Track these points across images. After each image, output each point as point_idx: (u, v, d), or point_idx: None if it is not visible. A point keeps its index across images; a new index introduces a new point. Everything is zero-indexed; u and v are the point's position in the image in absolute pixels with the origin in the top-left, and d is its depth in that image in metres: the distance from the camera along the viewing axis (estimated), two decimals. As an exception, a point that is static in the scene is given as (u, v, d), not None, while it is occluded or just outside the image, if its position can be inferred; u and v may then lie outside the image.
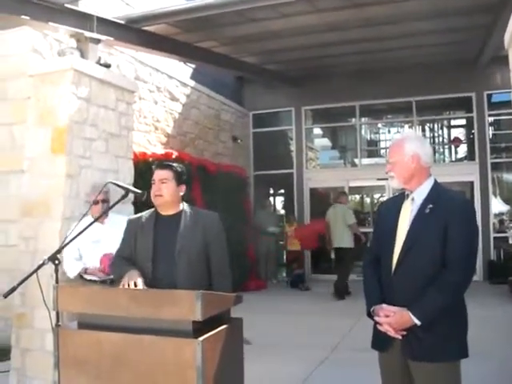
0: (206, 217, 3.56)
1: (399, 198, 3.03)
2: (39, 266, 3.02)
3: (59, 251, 3.01)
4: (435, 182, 2.94)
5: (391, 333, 2.76)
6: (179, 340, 2.59)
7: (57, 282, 3.03)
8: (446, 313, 2.71)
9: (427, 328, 2.70)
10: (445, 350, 2.72)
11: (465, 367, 2.83)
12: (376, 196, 18.64)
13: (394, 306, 2.78)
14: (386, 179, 3.02)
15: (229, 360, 2.84)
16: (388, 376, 2.96)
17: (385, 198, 15.08)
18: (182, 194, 3.50)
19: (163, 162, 3.58)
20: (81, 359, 2.78)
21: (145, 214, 3.56)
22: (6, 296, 2.87)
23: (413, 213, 2.87)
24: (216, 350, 2.70)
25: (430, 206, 2.81)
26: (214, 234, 3.49)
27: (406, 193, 2.96)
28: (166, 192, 3.40)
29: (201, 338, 2.55)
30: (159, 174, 3.44)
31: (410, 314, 2.70)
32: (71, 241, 3.11)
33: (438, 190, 2.91)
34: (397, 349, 2.82)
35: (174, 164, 3.53)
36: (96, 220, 3.56)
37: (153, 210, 3.53)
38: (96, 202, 4.87)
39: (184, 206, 3.52)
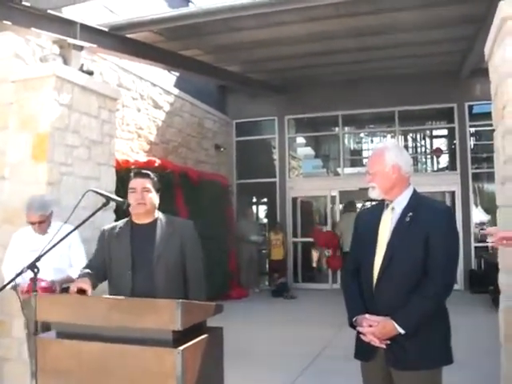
0: (182, 225, 3.59)
1: (378, 207, 3.03)
2: (17, 274, 2.99)
3: (38, 259, 2.97)
4: (414, 190, 2.95)
5: (375, 342, 2.76)
6: (159, 349, 2.58)
7: (35, 290, 2.99)
8: (429, 320, 2.72)
9: (411, 336, 2.71)
10: (428, 358, 2.73)
11: (445, 375, 2.84)
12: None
13: (377, 315, 2.78)
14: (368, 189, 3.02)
15: (209, 369, 2.82)
16: (371, 385, 2.96)
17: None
18: (158, 201, 3.52)
19: (142, 171, 3.56)
20: (60, 369, 2.75)
21: (119, 223, 3.57)
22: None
23: (393, 222, 2.87)
24: (196, 360, 2.69)
25: (410, 214, 2.82)
26: (190, 243, 3.51)
27: (386, 202, 2.96)
28: (149, 200, 3.42)
29: (181, 348, 2.53)
30: (141, 183, 3.43)
31: (394, 323, 2.70)
32: (50, 250, 3.07)
33: (417, 198, 2.92)
34: (380, 358, 2.82)
35: (151, 173, 3.55)
36: (79, 226, 3.50)
37: (127, 219, 3.54)
38: (32, 223, 4.69)
39: (159, 214, 3.53)
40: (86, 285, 3.10)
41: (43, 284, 4.23)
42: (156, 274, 3.32)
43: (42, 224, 4.67)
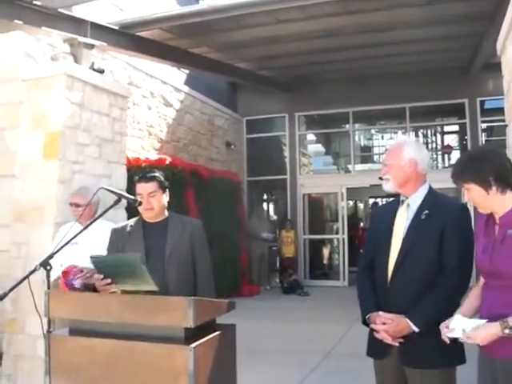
0: (191, 224, 3.61)
1: (394, 203, 3.02)
2: (31, 272, 2.99)
3: (51, 257, 2.98)
4: (430, 187, 2.93)
5: (388, 340, 2.74)
6: (171, 346, 2.58)
7: (48, 287, 3.00)
8: (443, 318, 2.69)
9: (425, 334, 2.69)
10: (442, 357, 2.70)
11: (460, 373, 2.82)
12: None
13: (390, 313, 2.76)
14: (380, 185, 3.01)
15: (221, 367, 2.82)
16: (383, 383, 2.94)
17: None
18: (167, 200, 3.53)
19: (146, 174, 3.52)
20: (72, 366, 2.76)
21: (130, 222, 3.58)
22: (-2, 301, 2.84)
23: (408, 219, 2.86)
24: (208, 357, 2.69)
25: (426, 211, 2.81)
26: (199, 240, 3.54)
27: (401, 198, 2.95)
28: (157, 205, 3.43)
29: (193, 345, 2.53)
30: (146, 188, 3.42)
31: (408, 321, 2.69)
32: (63, 247, 3.08)
33: (433, 195, 2.90)
34: (393, 356, 2.80)
35: (156, 174, 3.53)
36: (91, 223, 3.49)
37: (137, 218, 3.55)
38: (70, 204, 4.84)
39: (168, 212, 3.55)
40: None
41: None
42: (168, 271, 3.34)
43: (78, 208, 4.73)
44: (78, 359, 2.75)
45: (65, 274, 4.41)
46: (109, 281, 3.04)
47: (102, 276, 3.04)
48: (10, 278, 5.41)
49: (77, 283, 4.36)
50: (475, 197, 2.49)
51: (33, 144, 5.89)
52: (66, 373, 2.77)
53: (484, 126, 13.01)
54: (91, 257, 3.00)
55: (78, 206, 4.76)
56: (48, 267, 2.96)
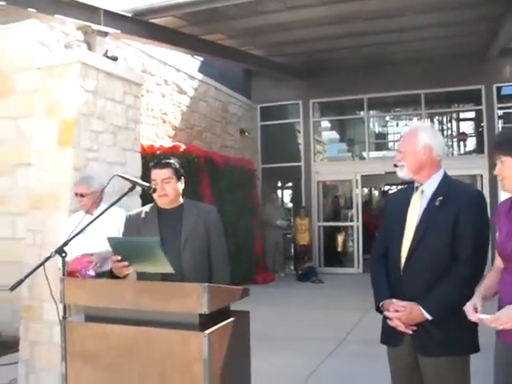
0: (206, 210, 3.60)
1: (408, 190, 2.98)
2: (46, 259, 3.01)
3: (66, 244, 3.00)
4: (445, 174, 2.89)
5: (401, 328, 2.73)
6: (186, 333, 2.59)
7: (64, 274, 3.03)
8: (457, 306, 2.67)
9: (438, 322, 2.67)
10: (455, 345, 2.69)
11: (474, 362, 2.80)
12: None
13: (404, 300, 2.74)
14: (395, 172, 2.98)
15: (235, 353, 2.83)
16: (397, 370, 2.93)
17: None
18: (182, 187, 3.51)
19: (161, 161, 3.50)
20: (88, 352, 2.79)
21: (144, 208, 3.57)
22: (13, 289, 2.87)
23: (422, 206, 2.82)
24: (223, 343, 2.70)
25: (440, 198, 2.77)
26: (215, 226, 3.53)
27: (416, 185, 2.92)
28: (171, 191, 3.41)
29: (207, 331, 2.54)
30: (161, 174, 3.40)
31: (421, 309, 2.67)
32: (78, 234, 3.10)
33: (448, 182, 2.86)
34: (406, 343, 2.79)
35: (172, 160, 3.50)
36: (105, 211, 3.49)
37: (152, 204, 3.54)
38: (76, 194, 4.91)
39: (183, 199, 3.55)
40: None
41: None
42: (183, 257, 3.34)
43: (83, 198, 4.81)
44: (94, 345, 2.77)
45: (72, 272, 4.38)
46: (125, 263, 3.04)
47: (119, 257, 3.04)
48: (25, 265, 5.46)
49: (91, 272, 4.39)
50: (507, 172, 2.49)
51: (47, 132, 5.91)
52: (82, 359, 2.80)
53: (500, 112, 12.87)
54: (108, 238, 3.00)
55: (82, 195, 4.82)
56: (63, 254, 2.98)
